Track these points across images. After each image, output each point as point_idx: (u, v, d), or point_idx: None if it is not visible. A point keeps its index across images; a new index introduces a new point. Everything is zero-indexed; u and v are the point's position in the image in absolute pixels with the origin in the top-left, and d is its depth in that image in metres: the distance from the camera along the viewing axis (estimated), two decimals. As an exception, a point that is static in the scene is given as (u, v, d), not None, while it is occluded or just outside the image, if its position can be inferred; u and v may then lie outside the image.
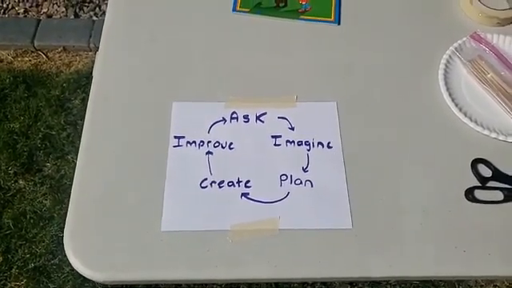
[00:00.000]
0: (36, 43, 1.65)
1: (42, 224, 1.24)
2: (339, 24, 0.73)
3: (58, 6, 1.77)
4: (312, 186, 0.59)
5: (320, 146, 0.62)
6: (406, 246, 0.55)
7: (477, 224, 0.56)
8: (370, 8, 0.75)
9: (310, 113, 0.64)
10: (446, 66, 0.68)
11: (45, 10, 1.76)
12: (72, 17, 1.71)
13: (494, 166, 0.60)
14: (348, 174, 0.59)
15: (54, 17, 1.74)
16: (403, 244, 0.55)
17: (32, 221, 1.24)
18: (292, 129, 0.63)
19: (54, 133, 1.39)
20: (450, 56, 0.68)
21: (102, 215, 0.56)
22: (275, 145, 0.62)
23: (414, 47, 0.71)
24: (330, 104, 0.65)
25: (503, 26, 0.73)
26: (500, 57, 0.69)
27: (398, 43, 0.71)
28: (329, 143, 0.62)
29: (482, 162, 0.60)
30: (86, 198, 0.57)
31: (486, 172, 0.60)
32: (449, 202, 0.58)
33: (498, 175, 0.59)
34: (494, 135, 0.61)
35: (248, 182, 0.59)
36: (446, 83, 0.66)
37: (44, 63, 1.62)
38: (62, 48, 1.62)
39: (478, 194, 0.58)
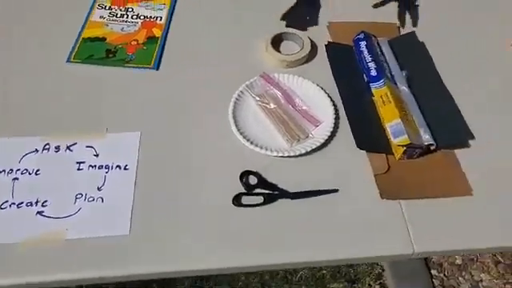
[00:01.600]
0: None
1: None
2: (158, 69, 0.87)
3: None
4: (103, 201, 0.68)
5: (117, 168, 0.72)
6: (180, 243, 0.65)
7: (242, 223, 0.67)
8: (187, 55, 0.90)
9: (116, 141, 0.75)
10: (237, 99, 0.82)
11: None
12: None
13: (259, 175, 0.72)
14: (137, 190, 0.70)
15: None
16: (177, 242, 0.65)
17: None
18: (97, 155, 0.73)
19: None
20: (241, 91, 0.83)
21: None
22: (78, 169, 0.71)
23: (216, 86, 0.85)
24: (134, 134, 0.77)
25: (292, 67, 0.89)
26: (282, 91, 0.84)
27: (202, 83, 0.85)
28: (126, 166, 0.72)
29: (251, 174, 0.72)
30: None
31: (253, 181, 0.72)
32: (221, 207, 0.69)
33: (261, 183, 0.71)
34: (263, 151, 0.74)
35: (45, 201, 0.67)
36: (234, 113, 0.79)
37: None
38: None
39: (245, 199, 0.70)
